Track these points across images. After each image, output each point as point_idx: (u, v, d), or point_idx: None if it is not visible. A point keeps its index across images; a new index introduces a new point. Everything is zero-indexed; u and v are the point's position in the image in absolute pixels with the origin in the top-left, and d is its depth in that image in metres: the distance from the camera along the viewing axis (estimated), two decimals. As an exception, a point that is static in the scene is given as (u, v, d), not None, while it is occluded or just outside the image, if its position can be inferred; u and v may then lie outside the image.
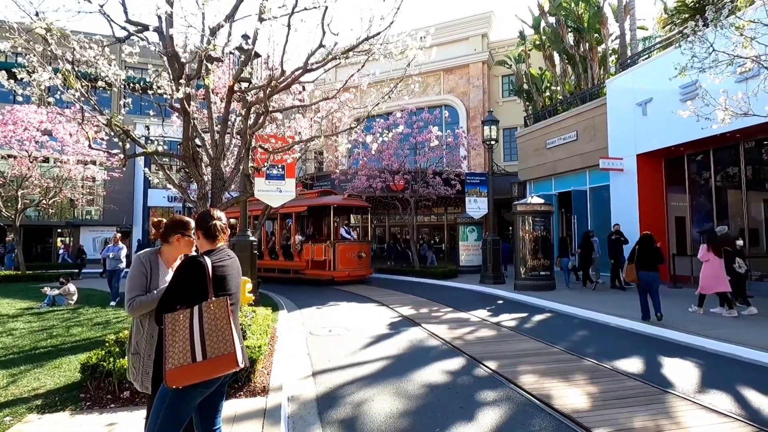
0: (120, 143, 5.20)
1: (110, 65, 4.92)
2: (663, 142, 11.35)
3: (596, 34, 16.78)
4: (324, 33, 4.63)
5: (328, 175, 21.62)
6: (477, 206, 15.78)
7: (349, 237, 15.02)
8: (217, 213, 2.30)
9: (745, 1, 7.49)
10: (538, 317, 8.06)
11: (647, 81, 11.68)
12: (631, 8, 15.58)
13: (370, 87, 7.65)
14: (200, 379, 1.93)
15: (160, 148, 6.41)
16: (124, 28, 4.71)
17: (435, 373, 4.72)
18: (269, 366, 4.66)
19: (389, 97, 6.65)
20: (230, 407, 3.49)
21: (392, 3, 4.95)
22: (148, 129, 7.74)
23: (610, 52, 17.42)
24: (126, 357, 2.82)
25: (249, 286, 6.19)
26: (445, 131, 20.81)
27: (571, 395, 3.96)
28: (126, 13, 4.71)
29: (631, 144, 12.31)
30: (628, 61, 13.81)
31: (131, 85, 7.47)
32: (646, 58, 12.64)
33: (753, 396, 3.97)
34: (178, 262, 2.37)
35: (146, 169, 7.62)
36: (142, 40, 4.83)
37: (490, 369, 4.80)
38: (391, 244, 22.99)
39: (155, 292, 2.28)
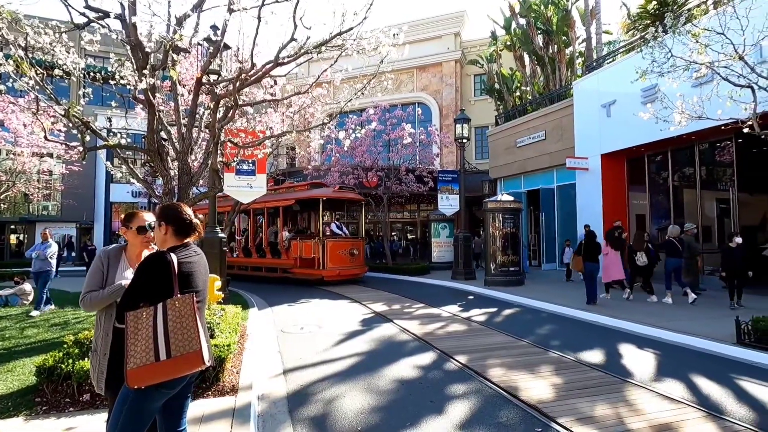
0: (79, 135, 4.95)
1: (68, 53, 4.67)
2: (625, 143, 11.83)
3: (564, 37, 17.28)
4: (296, 26, 4.55)
5: (300, 171, 21.36)
6: (449, 203, 15.98)
7: (340, 233, 14.08)
8: (188, 209, 2.24)
9: (701, 10, 7.89)
10: (507, 312, 8.26)
11: (611, 84, 12.13)
12: (597, 13, 16.11)
13: (344, 83, 7.60)
14: (164, 379, 1.87)
15: (123, 141, 6.16)
16: (83, 14, 4.48)
17: (406, 368, 4.77)
18: (239, 365, 4.58)
19: (362, 94, 6.63)
20: (198, 407, 3.41)
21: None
22: (110, 121, 7.42)
23: (578, 54, 17.96)
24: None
25: (218, 284, 6.06)
26: (418, 128, 20.94)
27: (537, 386, 4.09)
28: (86, -1, 4.48)
29: (596, 144, 12.76)
30: (594, 64, 14.30)
31: (91, 74, 7.12)
32: (610, 62, 13.12)
33: (702, 382, 4.22)
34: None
35: (108, 163, 7.30)
36: (103, 27, 4.62)
37: (460, 363, 4.89)
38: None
39: (107, 289, 2.20)
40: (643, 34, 9.70)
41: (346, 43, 5.37)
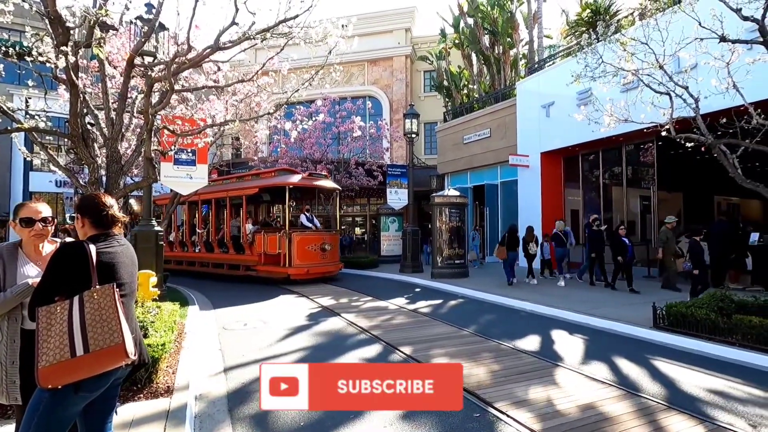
0: (-13, 116, 4.42)
1: (-28, 22, 4.13)
2: (562, 142, 12.58)
3: (509, 39, 17.98)
4: (237, 10, 4.35)
5: (245, 162, 20.62)
6: (398, 197, 16.15)
7: (310, 225, 12.57)
8: (109, 200, 2.07)
9: (628, 21, 8.52)
10: (451, 303, 8.52)
11: (551, 86, 12.81)
12: (539, 17, 16.92)
13: (291, 72, 7.40)
14: (83, 376, 1.72)
15: (41, 125, 5.58)
16: (-10, -20, 3.98)
17: (352, 361, 4.78)
18: (175, 364, 4.35)
19: (310, 84, 6.49)
20: (127, 411, 3.20)
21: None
22: (27, 102, 6.67)
23: (521, 56, 18.78)
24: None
25: (153, 279, 5.71)
26: (369, 122, 20.94)
27: (477, 373, 4.26)
28: (-7, -39, 3.98)
29: (536, 142, 13.45)
30: (536, 66, 15.02)
31: (3, 48, 6.37)
32: (551, 65, 13.84)
33: (623, 364, 4.61)
34: (50, 252, 2.10)
35: (24, 149, 6.59)
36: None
37: (405, 353, 4.98)
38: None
39: (10, 290, 1.99)
40: (579, 40, 10.33)
41: (293, 31, 5.22)
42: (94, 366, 1.74)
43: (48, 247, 2.21)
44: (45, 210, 2.16)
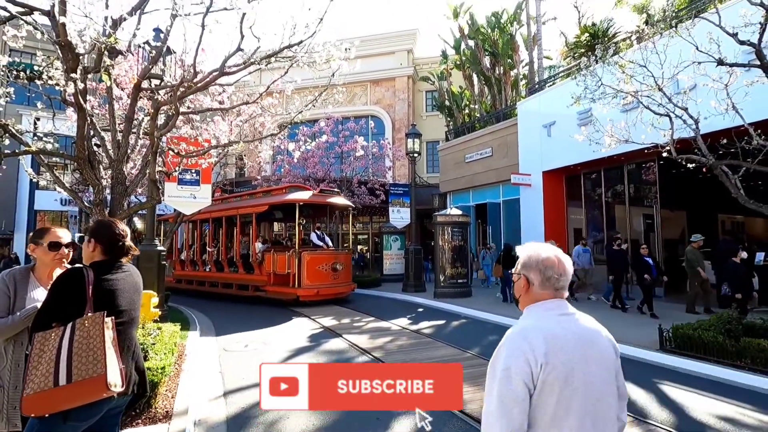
0: (-5, 139, 4.49)
1: (-15, 49, 4.24)
2: (564, 162, 12.63)
3: (509, 60, 18.28)
4: (243, 36, 4.45)
5: (249, 181, 20.76)
6: (400, 216, 16.17)
7: (321, 244, 12.07)
8: (124, 228, 2.07)
9: (626, 44, 8.66)
10: (454, 323, 8.43)
11: (551, 106, 12.94)
12: (539, 39, 17.23)
13: (295, 93, 7.51)
14: (64, 407, 1.68)
15: (49, 146, 5.67)
16: (4, 8, 4.11)
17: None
18: (174, 388, 4.30)
19: (313, 106, 6.59)
20: (124, 438, 3.15)
21: (316, 12, 4.93)
22: (37, 122, 6.78)
23: (522, 76, 19.05)
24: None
25: (155, 300, 5.69)
26: (371, 141, 21.15)
27: (480, 398, 4.18)
28: (8, -9, 4.11)
29: (537, 162, 13.51)
30: (536, 86, 15.21)
31: (14, 71, 6.53)
32: (551, 85, 14.02)
33: (630, 388, 4.50)
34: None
35: (30, 170, 6.68)
36: (29, 24, 4.26)
37: (408, 377, 4.89)
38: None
39: (18, 314, 1.99)
40: (578, 61, 10.49)
41: (297, 55, 5.33)
42: (75, 397, 1.70)
43: (59, 272, 2.22)
44: (66, 236, 2.20)
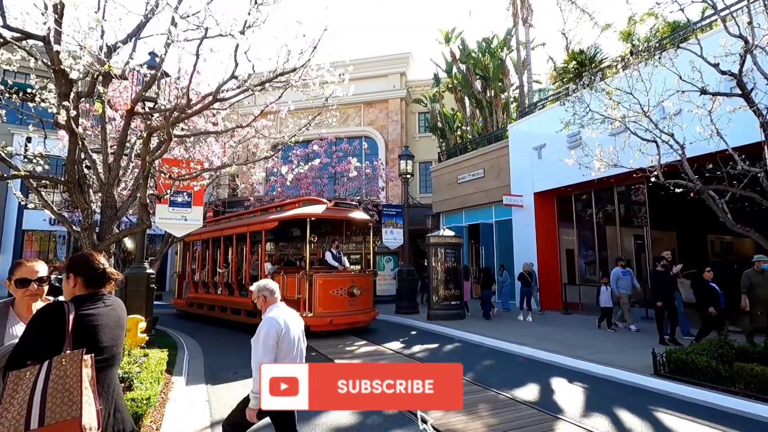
0: (-17, 163, 4.45)
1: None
2: (554, 183, 12.78)
3: (500, 83, 18.70)
4: (237, 64, 4.51)
5: (242, 202, 20.70)
6: (393, 237, 16.13)
7: (336, 264, 10.50)
8: (99, 258, 2.04)
9: (612, 71, 8.91)
10: (448, 347, 8.33)
11: (541, 128, 13.17)
12: (528, 64, 17.69)
13: (289, 115, 7.58)
14: None
15: (39, 169, 5.62)
16: (-1, 35, 4.13)
17: (343, 413, 4.59)
18: (159, 419, 4.17)
19: (307, 129, 6.64)
20: (105, 475, 3.02)
21: (310, 40, 5.01)
22: (27, 145, 6.73)
23: (512, 99, 19.46)
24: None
25: (142, 325, 5.57)
26: (365, 162, 21.29)
27: (475, 428, 4.10)
28: (4, 17, 4.15)
29: (529, 183, 13.66)
30: (526, 109, 15.53)
31: (6, 92, 6.53)
32: (540, 108, 14.31)
33: (625, 416, 4.45)
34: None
35: (19, 194, 6.60)
36: (23, 49, 4.28)
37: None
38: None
39: None
40: (566, 86, 10.76)
41: (291, 79, 5.40)
42: None
43: (40, 306, 2.16)
44: (41, 269, 2.13)
